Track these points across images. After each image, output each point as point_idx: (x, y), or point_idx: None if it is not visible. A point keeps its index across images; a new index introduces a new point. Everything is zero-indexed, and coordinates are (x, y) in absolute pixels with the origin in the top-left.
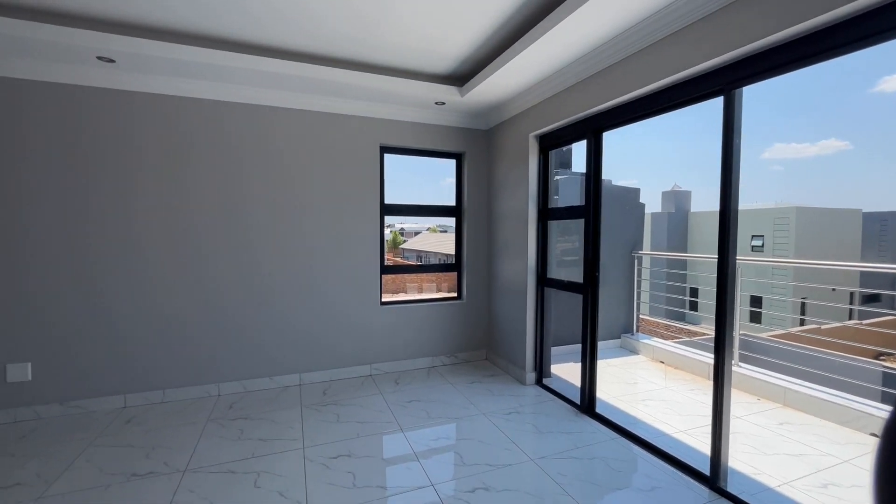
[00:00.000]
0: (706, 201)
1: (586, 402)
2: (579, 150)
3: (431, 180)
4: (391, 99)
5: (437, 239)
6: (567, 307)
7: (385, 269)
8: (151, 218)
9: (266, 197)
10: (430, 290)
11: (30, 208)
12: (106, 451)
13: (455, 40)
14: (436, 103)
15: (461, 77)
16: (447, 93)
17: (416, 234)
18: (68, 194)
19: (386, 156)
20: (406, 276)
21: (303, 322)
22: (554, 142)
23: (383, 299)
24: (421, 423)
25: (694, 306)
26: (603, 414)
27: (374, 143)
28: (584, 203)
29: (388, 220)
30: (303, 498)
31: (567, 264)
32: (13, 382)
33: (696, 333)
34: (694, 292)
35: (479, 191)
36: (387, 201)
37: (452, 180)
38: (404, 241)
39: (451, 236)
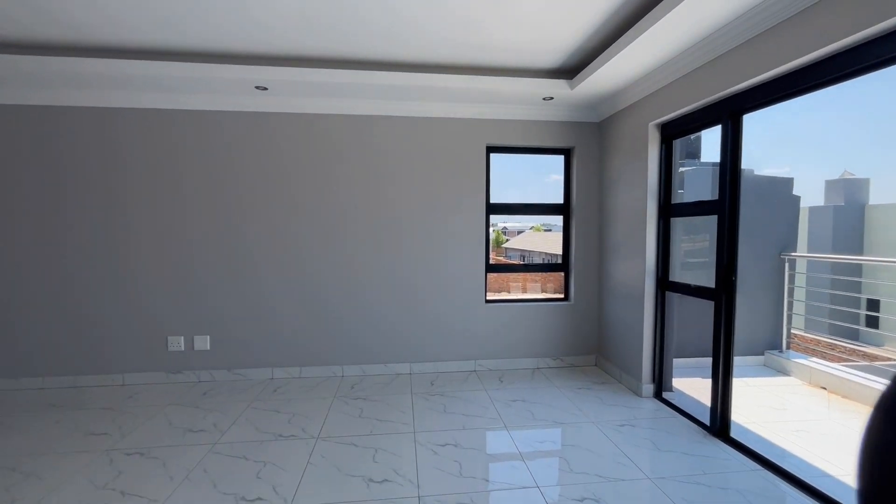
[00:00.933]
0: (891, 191)
1: (718, 424)
2: (710, 138)
3: (536, 178)
4: (497, 98)
5: (541, 238)
6: (693, 315)
7: (490, 268)
8: (306, 216)
9: (384, 199)
10: (534, 290)
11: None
12: (259, 414)
13: (564, 32)
14: (543, 99)
15: (570, 70)
16: (555, 87)
17: (519, 233)
18: (235, 202)
19: (492, 155)
20: (509, 275)
21: (414, 316)
22: (678, 129)
23: (488, 297)
24: (525, 423)
25: (873, 322)
26: (739, 440)
27: (480, 144)
28: (717, 197)
29: (492, 219)
30: (414, 478)
31: (694, 266)
32: (198, 350)
33: (875, 357)
34: (873, 305)
35: (589, 187)
36: (492, 201)
37: (558, 177)
38: (507, 241)
39: (557, 235)
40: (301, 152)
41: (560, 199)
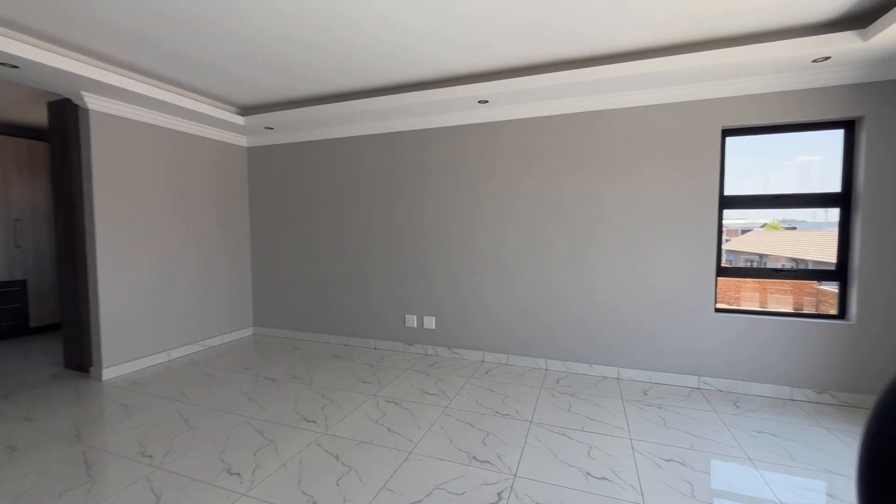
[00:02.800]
0: None
1: None
2: None
3: (773, 163)
4: (742, 72)
5: (781, 238)
6: None
7: (722, 271)
8: (513, 219)
9: (591, 197)
10: (779, 302)
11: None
12: (477, 390)
13: None
14: (813, 61)
15: (859, 17)
16: (835, 42)
17: (743, 232)
18: (466, 206)
19: (728, 140)
20: (739, 283)
21: (625, 317)
22: None
23: (718, 306)
24: (780, 462)
25: None
26: None
27: (714, 128)
28: None
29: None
30: (636, 485)
31: None
32: (426, 328)
33: None
34: None
35: (891, 167)
36: (727, 192)
37: (812, 159)
38: (727, 241)
39: (815, 234)
40: (508, 155)
41: (829, 186)
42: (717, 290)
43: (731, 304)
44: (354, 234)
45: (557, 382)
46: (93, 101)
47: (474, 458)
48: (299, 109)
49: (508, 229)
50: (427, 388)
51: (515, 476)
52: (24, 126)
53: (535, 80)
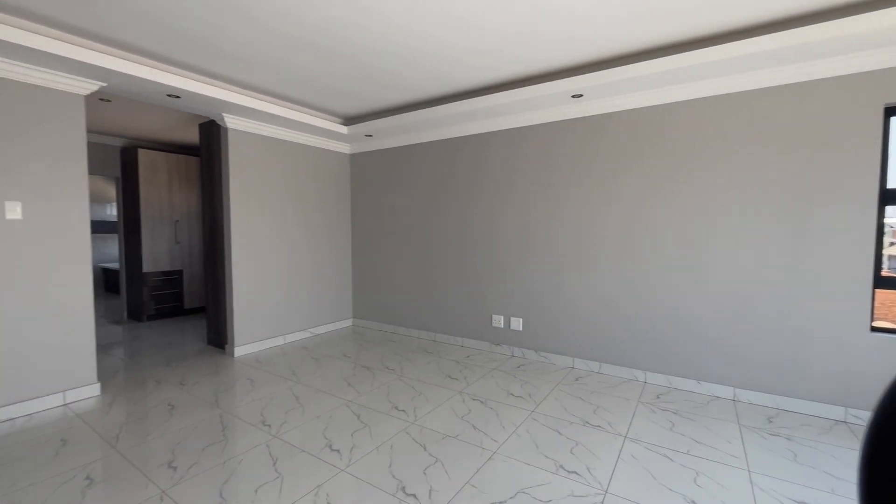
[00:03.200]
0: None
1: None
2: None
3: None
4: None
5: None
6: None
7: (882, 282)
8: (615, 209)
9: (698, 193)
10: None
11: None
12: (565, 396)
13: None
14: None
15: None
16: None
17: None
18: (581, 207)
19: (894, 120)
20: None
21: (745, 330)
22: None
23: (875, 324)
24: None
25: None
26: None
27: (872, 105)
28: None
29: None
30: None
31: None
32: (513, 329)
33: None
34: None
35: None
36: (891, 184)
37: None
38: (891, 244)
39: None
40: (605, 150)
41: None
42: (875, 305)
43: (894, 323)
44: (443, 234)
45: (658, 398)
46: (231, 121)
47: (561, 466)
48: (396, 116)
49: (602, 227)
50: (513, 390)
51: (607, 492)
52: (181, 144)
53: (639, 69)
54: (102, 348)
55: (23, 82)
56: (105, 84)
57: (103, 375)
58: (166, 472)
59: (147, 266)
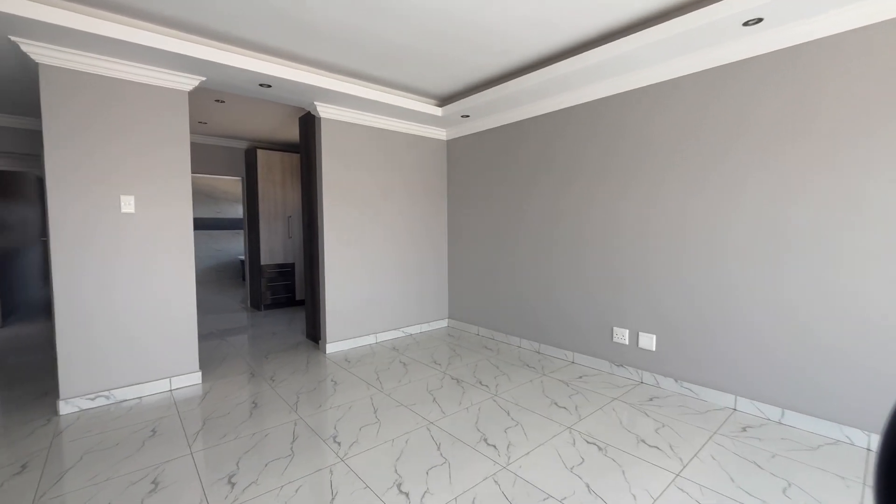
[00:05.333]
0: None
1: None
2: None
3: None
4: None
5: None
6: None
7: None
8: (817, 183)
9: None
10: None
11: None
12: (729, 457)
13: None
14: None
15: None
16: None
17: None
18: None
19: None
20: None
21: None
22: None
23: None
24: None
25: None
26: None
27: None
28: None
29: None
30: None
31: None
32: (642, 349)
33: None
34: None
35: None
36: None
37: None
38: None
39: None
40: (773, 107)
41: None
42: None
43: None
44: (550, 227)
45: None
46: (323, 110)
47: None
48: (494, 89)
49: (797, 212)
50: (645, 435)
51: None
52: (294, 143)
53: None
54: (223, 333)
55: (133, 81)
56: (204, 78)
57: (213, 361)
58: (224, 489)
59: (264, 259)
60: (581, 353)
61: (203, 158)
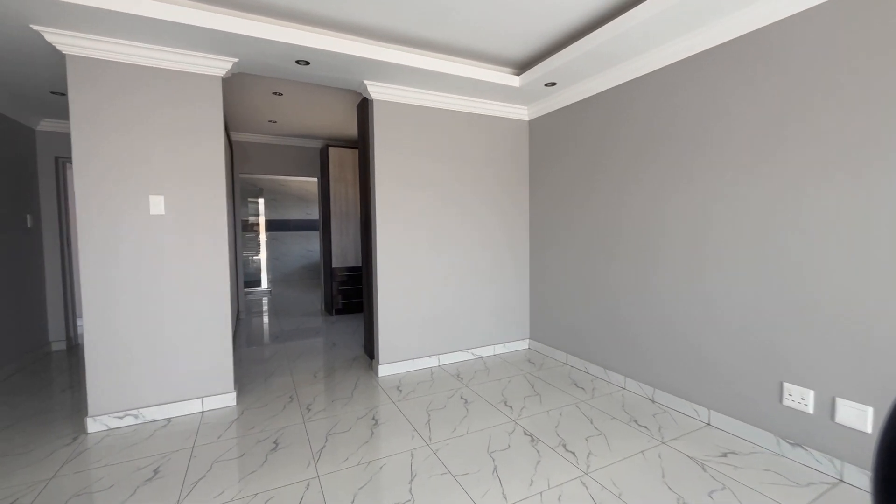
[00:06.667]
0: None
1: None
2: None
3: None
4: None
5: None
6: None
7: None
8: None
9: None
10: None
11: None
12: None
13: None
14: None
15: None
16: None
17: None
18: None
19: None
20: None
21: None
22: None
23: None
24: None
25: None
26: None
27: None
28: None
29: None
30: None
31: None
32: (841, 425)
33: None
34: None
35: None
36: None
37: None
38: None
39: None
40: None
41: None
42: None
43: None
44: (670, 228)
45: None
46: (374, 89)
47: None
48: (593, 34)
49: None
50: None
51: None
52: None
53: None
54: (287, 337)
55: (162, 69)
56: (236, 59)
57: (258, 378)
58: None
59: (336, 262)
60: (723, 414)
61: (278, 159)
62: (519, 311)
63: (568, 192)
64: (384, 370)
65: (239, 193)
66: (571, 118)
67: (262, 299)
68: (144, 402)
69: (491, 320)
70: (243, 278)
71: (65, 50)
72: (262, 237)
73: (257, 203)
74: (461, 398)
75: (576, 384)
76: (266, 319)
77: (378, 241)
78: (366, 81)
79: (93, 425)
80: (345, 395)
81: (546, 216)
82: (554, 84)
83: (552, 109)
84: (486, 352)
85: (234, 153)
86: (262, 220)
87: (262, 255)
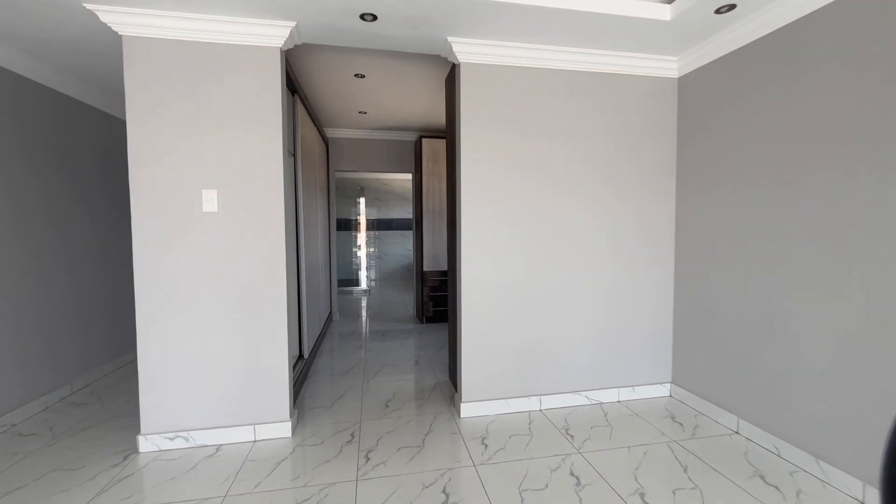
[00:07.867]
0: None
1: None
2: None
3: None
4: None
5: None
6: None
7: None
8: None
9: None
10: None
11: None
12: None
13: None
14: None
15: None
16: None
17: None
18: None
19: None
20: None
21: None
22: None
23: None
24: None
25: None
26: None
27: None
28: None
29: None
30: None
31: None
32: None
33: None
34: None
35: None
36: None
37: None
38: None
39: None
40: None
41: None
42: None
43: None
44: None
45: None
46: (461, 49)
47: None
48: None
49: None
50: None
51: None
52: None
53: None
54: (372, 344)
55: (214, 42)
56: (294, 23)
57: (327, 398)
58: None
59: (427, 264)
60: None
61: (373, 154)
62: (657, 344)
63: (747, 179)
64: (467, 409)
65: (334, 191)
66: (758, 65)
67: (359, 299)
68: (195, 425)
69: (613, 353)
70: (338, 277)
71: (120, 30)
72: (362, 236)
73: (359, 202)
74: (571, 474)
75: (759, 473)
76: (356, 324)
77: (463, 246)
78: (450, 39)
79: (144, 444)
80: (415, 441)
81: (704, 213)
82: (732, 6)
83: (722, 54)
84: (607, 396)
85: (330, 150)
86: (363, 220)
87: (362, 254)
